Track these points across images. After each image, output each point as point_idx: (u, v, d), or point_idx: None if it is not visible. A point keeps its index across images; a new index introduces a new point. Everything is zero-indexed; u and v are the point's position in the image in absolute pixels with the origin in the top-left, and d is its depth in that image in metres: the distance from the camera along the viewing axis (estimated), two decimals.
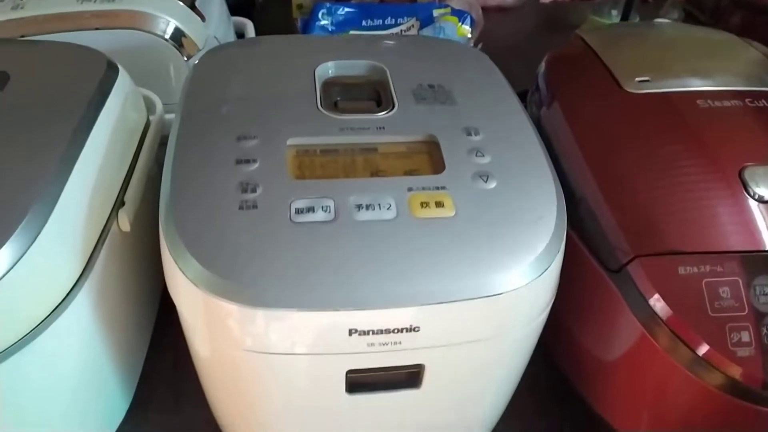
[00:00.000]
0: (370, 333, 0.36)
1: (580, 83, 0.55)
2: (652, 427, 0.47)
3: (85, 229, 0.40)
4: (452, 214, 0.38)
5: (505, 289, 0.36)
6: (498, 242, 0.37)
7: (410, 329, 0.36)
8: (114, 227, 0.45)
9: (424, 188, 0.39)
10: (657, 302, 0.41)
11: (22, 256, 0.34)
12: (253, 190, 0.38)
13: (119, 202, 0.46)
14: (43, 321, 0.37)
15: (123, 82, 0.49)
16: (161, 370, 0.54)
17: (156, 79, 0.58)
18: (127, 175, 0.48)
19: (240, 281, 0.34)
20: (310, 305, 0.34)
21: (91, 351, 0.43)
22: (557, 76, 0.57)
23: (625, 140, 0.49)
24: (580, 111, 0.52)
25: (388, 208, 0.38)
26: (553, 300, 0.41)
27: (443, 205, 0.38)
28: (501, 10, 1.14)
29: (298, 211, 0.37)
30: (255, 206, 0.38)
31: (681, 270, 0.42)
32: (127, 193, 0.46)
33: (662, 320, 0.41)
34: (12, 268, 0.34)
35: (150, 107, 0.55)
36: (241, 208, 0.37)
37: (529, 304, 0.38)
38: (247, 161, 0.40)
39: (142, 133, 0.52)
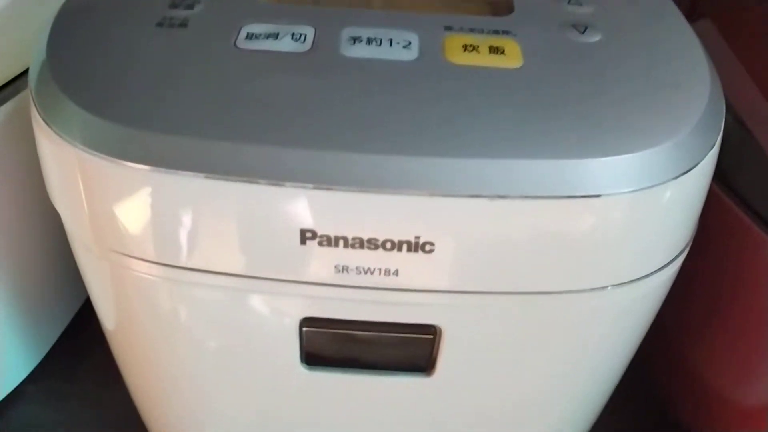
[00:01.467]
0: (341, 243, 0.19)
1: None
2: None
3: None
4: (518, 64, 0.21)
5: (608, 190, 0.19)
6: (598, 111, 0.20)
7: (416, 246, 0.19)
8: None
9: (473, 30, 0.23)
10: None
11: None
12: (189, 7, 0.23)
13: None
14: None
15: None
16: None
17: None
18: None
19: (129, 125, 0.19)
20: (234, 170, 0.18)
21: None
22: None
23: None
24: (739, 20, 0.34)
25: (404, 47, 0.22)
26: (688, 245, 0.23)
27: (503, 52, 0.22)
28: None
29: (251, 36, 0.22)
30: (184, 24, 0.22)
31: None
32: None
33: None
34: None
35: None
36: (160, 24, 0.22)
37: (649, 231, 0.21)
38: None
39: None
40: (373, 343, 0.22)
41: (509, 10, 0.24)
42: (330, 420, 0.25)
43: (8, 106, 0.29)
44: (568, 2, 0.25)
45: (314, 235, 0.19)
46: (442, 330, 0.22)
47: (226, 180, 0.18)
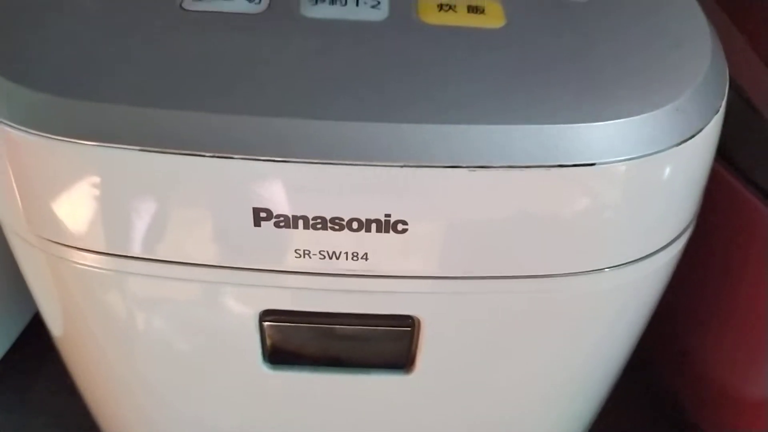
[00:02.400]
0: (300, 223, 0.17)
1: None
2: None
3: None
4: (499, 24, 0.19)
5: (604, 158, 0.17)
6: (591, 73, 0.18)
7: (387, 226, 0.17)
8: None
9: None
10: None
11: None
12: None
13: None
14: None
15: None
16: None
17: None
18: None
19: (54, 93, 0.17)
20: (173, 142, 0.16)
21: None
22: None
23: None
24: None
25: (373, 6, 0.20)
26: (692, 224, 0.21)
27: (482, 11, 0.20)
28: None
29: None
30: None
31: None
32: None
33: None
34: None
35: None
36: None
37: (649, 205, 0.18)
38: None
39: None
40: (343, 337, 0.20)
41: None
42: (299, 427, 0.23)
43: None
44: None
45: (269, 215, 0.17)
46: (421, 321, 0.19)
47: (165, 153, 0.16)
